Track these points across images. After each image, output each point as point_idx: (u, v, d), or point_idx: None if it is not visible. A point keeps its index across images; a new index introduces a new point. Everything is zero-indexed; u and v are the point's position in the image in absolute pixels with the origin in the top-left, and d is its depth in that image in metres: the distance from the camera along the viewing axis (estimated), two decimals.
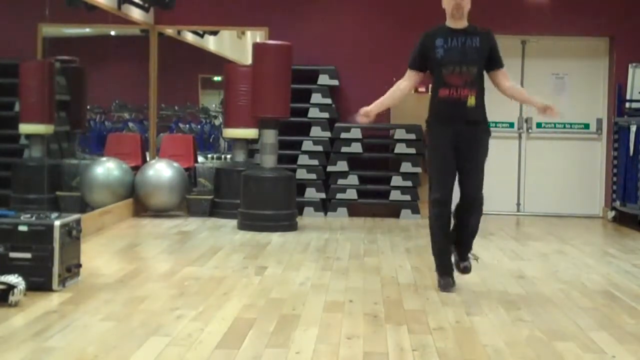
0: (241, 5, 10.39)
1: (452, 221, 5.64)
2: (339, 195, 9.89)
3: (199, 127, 12.47)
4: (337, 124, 9.95)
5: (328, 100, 9.95)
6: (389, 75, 9.79)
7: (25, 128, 8.72)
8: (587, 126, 10.50)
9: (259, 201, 8.43)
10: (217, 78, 11.54)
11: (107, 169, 9.15)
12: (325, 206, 9.93)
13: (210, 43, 11.65)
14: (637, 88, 10.06)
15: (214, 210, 9.44)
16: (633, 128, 9.49)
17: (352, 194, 9.87)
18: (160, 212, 9.38)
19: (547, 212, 10.41)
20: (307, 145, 9.89)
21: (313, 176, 9.86)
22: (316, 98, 9.94)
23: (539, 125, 10.51)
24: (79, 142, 10.39)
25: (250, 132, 9.38)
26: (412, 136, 9.77)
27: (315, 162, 9.87)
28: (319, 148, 9.89)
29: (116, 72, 11.45)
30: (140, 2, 9.84)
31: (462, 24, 5.54)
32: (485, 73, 5.58)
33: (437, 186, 5.53)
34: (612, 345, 4.36)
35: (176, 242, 7.69)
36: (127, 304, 5.04)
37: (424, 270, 6.34)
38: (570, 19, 10.22)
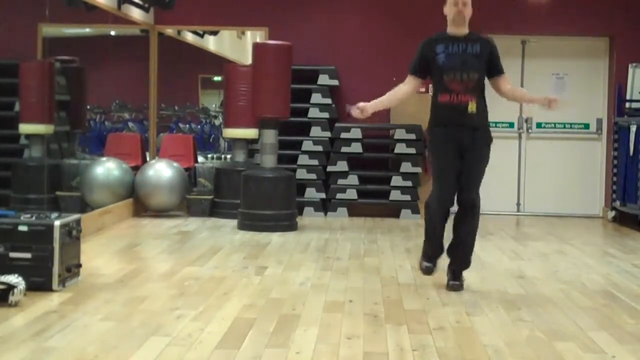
0: (241, 5, 10.39)
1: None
2: (339, 195, 9.89)
3: (199, 127, 12.46)
4: (337, 124, 9.95)
5: (328, 100, 9.95)
6: (389, 75, 9.83)
7: (25, 128, 8.71)
8: (587, 126, 10.51)
9: (259, 201, 8.43)
10: (217, 78, 11.54)
11: (107, 169, 9.15)
12: (325, 206, 9.93)
13: (210, 43, 11.65)
14: (637, 88, 10.05)
15: (214, 210, 9.45)
16: (633, 128, 9.49)
17: (352, 194, 9.87)
18: (160, 212, 9.38)
19: (547, 212, 10.41)
20: (307, 145, 9.89)
21: (313, 176, 9.86)
22: (316, 98, 9.94)
23: (539, 125, 10.51)
24: (79, 142, 10.38)
25: (250, 132, 9.38)
26: (412, 136, 9.77)
27: (315, 162, 9.87)
28: (319, 148, 9.89)
29: (116, 72, 11.45)
30: (140, 2, 9.84)
31: (463, 30, 5.56)
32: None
33: (439, 185, 5.57)
34: (612, 345, 4.36)
35: (176, 242, 7.69)
36: (127, 304, 5.03)
37: None
38: (570, 19, 10.22)
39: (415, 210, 9.73)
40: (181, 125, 12.32)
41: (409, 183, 9.79)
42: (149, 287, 5.58)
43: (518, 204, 10.54)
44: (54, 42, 9.50)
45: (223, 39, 11.70)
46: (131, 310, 4.89)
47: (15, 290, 4.88)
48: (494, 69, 5.60)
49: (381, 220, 9.56)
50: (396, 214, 9.80)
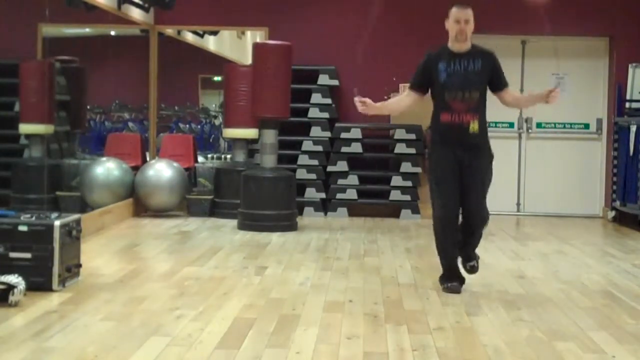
0: (241, 5, 10.39)
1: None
2: (339, 195, 9.89)
3: (199, 127, 12.45)
4: (337, 124, 9.95)
5: (328, 100, 9.95)
6: (389, 75, 9.86)
7: (25, 128, 8.71)
8: (587, 126, 10.50)
9: (259, 201, 8.43)
10: (217, 78, 11.53)
11: (107, 169, 9.15)
12: (325, 206, 9.93)
13: (210, 43, 11.64)
14: (637, 88, 10.05)
15: (214, 210, 9.44)
16: (633, 128, 9.49)
17: (352, 194, 9.87)
18: (160, 212, 9.38)
19: (547, 212, 10.41)
20: (307, 145, 9.89)
21: (313, 176, 9.86)
22: (316, 98, 9.94)
23: (539, 125, 10.51)
24: (79, 142, 10.38)
25: (250, 132, 9.38)
26: (412, 136, 9.77)
27: (315, 162, 9.87)
28: (319, 148, 9.89)
29: (116, 72, 11.44)
30: (140, 2, 9.84)
31: (465, 46, 5.54)
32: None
33: (441, 201, 5.52)
34: (612, 345, 4.36)
35: (176, 242, 7.69)
36: (127, 304, 5.04)
37: (424, 270, 6.35)
38: (570, 19, 10.22)
39: (416, 210, 9.73)
40: (181, 125, 12.31)
41: (409, 183, 9.79)
42: (149, 287, 5.58)
43: (518, 204, 10.54)
44: (54, 42, 9.49)
45: (223, 39, 11.69)
46: (131, 310, 4.89)
47: (15, 290, 4.88)
48: (498, 83, 5.60)
49: (381, 220, 9.56)
50: (396, 214, 9.80)
